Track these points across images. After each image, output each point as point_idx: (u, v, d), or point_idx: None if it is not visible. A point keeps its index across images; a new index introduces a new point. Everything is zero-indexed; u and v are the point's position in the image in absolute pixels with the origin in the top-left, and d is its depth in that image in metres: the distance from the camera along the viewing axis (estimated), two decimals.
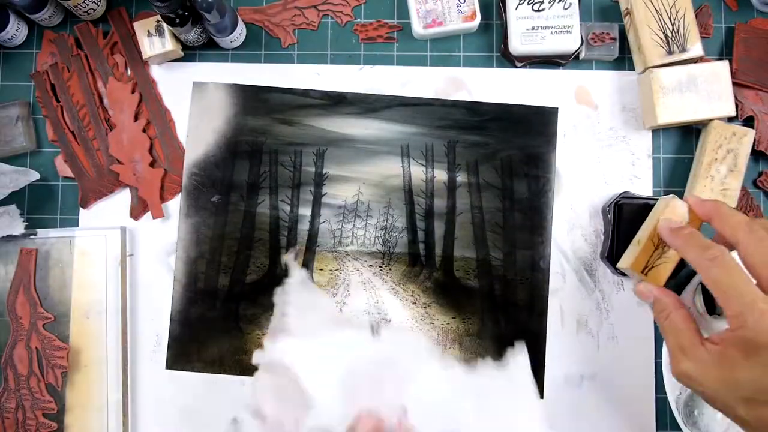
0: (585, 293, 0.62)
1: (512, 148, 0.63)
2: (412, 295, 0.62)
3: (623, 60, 0.65)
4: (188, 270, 0.63)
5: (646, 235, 0.53)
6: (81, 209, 0.64)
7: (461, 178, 0.63)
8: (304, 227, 0.63)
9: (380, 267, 0.63)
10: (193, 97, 0.64)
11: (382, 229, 0.63)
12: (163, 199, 0.63)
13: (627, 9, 0.62)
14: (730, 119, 0.62)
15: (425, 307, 0.62)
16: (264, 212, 0.63)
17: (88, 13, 0.63)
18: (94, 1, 0.62)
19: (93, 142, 0.64)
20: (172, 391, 0.62)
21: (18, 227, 0.61)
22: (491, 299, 0.62)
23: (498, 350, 0.61)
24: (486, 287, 0.62)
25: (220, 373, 0.61)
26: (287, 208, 0.63)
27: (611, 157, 0.64)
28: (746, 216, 0.46)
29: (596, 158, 0.64)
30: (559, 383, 0.61)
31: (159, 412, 0.62)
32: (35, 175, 0.62)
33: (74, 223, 0.64)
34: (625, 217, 0.59)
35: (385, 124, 0.63)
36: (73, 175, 0.63)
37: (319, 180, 0.63)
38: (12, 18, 0.62)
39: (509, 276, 0.62)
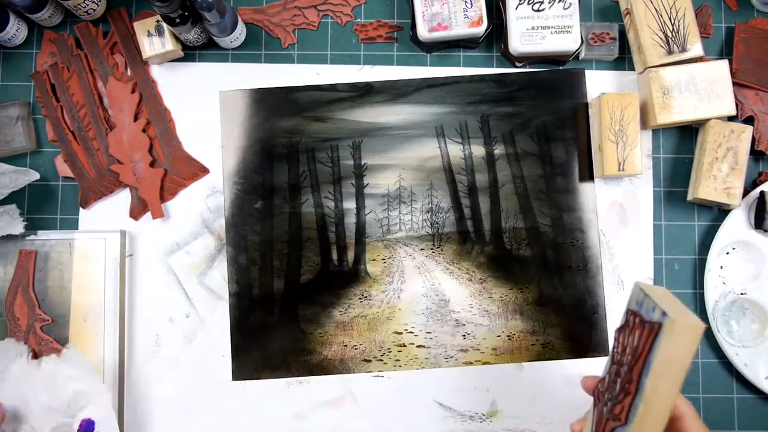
0: None
1: (545, 114, 0.64)
2: (467, 273, 0.63)
3: (623, 60, 0.65)
4: (241, 279, 0.63)
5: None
6: (81, 209, 0.63)
7: (499, 150, 0.64)
8: (350, 220, 0.63)
9: (432, 249, 0.63)
10: (222, 106, 0.64)
11: (428, 212, 0.64)
12: (163, 199, 0.63)
13: (627, 9, 0.63)
14: (730, 119, 0.62)
15: (482, 283, 0.63)
16: (309, 211, 0.63)
17: (88, 13, 0.63)
18: (94, 1, 0.62)
19: (93, 142, 0.63)
20: (173, 391, 0.62)
21: (18, 227, 0.60)
22: (546, 266, 0.63)
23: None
24: (539, 254, 0.63)
25: (286, 377, 0.62)
26: (331, 204, 0.63)
27: None
28: None
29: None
30: None
31: (156, 410, 0.62)
32: (35, 175, 0.62)
33: (74, 223, 0.64)
34: None
35: (416, 108, 0.64)
36: (73, 175, 0.63)
37: (359, 171, 0.64)
38: (12, 18, 0.62)
39: (560, 240, 0.63)
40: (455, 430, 0.61)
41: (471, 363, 0.62)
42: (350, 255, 0.63)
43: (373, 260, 0.63)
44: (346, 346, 0.62)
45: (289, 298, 0.63)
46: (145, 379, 0.62)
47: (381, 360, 0.62)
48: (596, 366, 0.62)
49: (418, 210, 0.64)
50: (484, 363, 0.62)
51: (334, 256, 0.63)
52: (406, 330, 0.62)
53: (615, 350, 0.45)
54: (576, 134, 0.64)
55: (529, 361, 0.62)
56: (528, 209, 0.63)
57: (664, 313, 0.39)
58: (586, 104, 0.64)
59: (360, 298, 0.63)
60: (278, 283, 0.63)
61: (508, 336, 0.62)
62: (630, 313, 0.44)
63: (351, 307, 0.63)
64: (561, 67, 0.65)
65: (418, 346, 0.62)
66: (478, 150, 0.64)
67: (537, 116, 0.64)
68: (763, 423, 0.62)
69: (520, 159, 0.63)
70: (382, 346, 0.62)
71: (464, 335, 0.62)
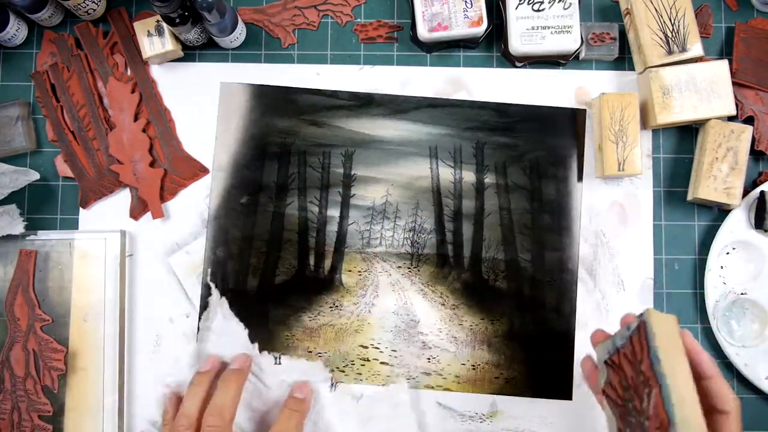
0: (585, 293, 0.63)
1: (541, 149, 0.63)
2: (440, 296, 0.63)
3: (623, 60, 0.65)
4: (217, 271, 0.62)
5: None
6: (81, 209, 0.63)
7: (489, 179, 0.63)
8: (332, 228, 0.63)
9: (409, 268, 0.63)
10: (221, 98, 0.64)
11: (410, 231, 0.63)
12: (163, 199, 0.63)
13: (627, 9, 0.63)
14: (730, 119, 0.62)
15: (453, 309, 0.62)
16: (293, 213, 0.63)
17: (88, 13, 0.63)
18: (94, 1, 0.62)
19: (93, 142, 0.64)
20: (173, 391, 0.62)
21: (18, 227, 0.60)
22: (520, 300, 0.62)
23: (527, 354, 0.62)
24: (515, 288, 0.62)
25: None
26: (316, 210, 0.63)
27: None
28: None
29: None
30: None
31: (156, 410, 0.62)
32: (35, 175, 0.62)
33: (74, 223, 0.64)
34: None
35: (414, 126, 0.64)
36: (73, 175, 0.63)
37: (348, 181, 0.63)
38: (12, 18, 0.62)
39: (538, 277, 0.62)
40: (455, 430, 0.61)
41: (432, 387, 0.62)
42: (327, 262, 0.63)
43: (350, 271, 0.63)
44: (310, 352, 0.62)
45: (261, 297, 0.62)
46: (145, 379, 0.62)
47: (343, 371, 0.62)
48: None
49: (400, 227, 0.63)
50: (445, 389, 0.62)
51: (312, 261, 0.63)
52: (372, 345, 0.62)
53: (614, 397, 0.47)
54: (566, 173, 0.63)
55: (491, 393, 0.61)
56: (510, 242, 0.63)
57: (640, 315, 0.44)
58: (584, 144, 0.64)
59: (331, 307, 0.63)
60: (252, 281, 0.62)
61: (473, 366, 0.62)
62: (609, 361, 0.47)
63: (321, 314, 0.62)
64: (561, 68, 0.65)
65: (382, 363, 0.62)
66: (468, 176, 0.63)
67: (532, 150, 0.63)
68: (763, 423, 0.62)
69: (509, 191, 0.63)
70: (346, 358, 0.62)
71: (429, 358, 0.62)
